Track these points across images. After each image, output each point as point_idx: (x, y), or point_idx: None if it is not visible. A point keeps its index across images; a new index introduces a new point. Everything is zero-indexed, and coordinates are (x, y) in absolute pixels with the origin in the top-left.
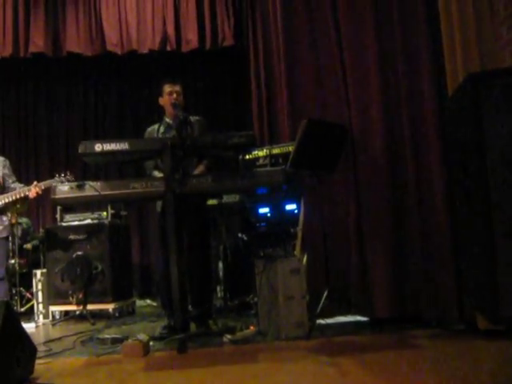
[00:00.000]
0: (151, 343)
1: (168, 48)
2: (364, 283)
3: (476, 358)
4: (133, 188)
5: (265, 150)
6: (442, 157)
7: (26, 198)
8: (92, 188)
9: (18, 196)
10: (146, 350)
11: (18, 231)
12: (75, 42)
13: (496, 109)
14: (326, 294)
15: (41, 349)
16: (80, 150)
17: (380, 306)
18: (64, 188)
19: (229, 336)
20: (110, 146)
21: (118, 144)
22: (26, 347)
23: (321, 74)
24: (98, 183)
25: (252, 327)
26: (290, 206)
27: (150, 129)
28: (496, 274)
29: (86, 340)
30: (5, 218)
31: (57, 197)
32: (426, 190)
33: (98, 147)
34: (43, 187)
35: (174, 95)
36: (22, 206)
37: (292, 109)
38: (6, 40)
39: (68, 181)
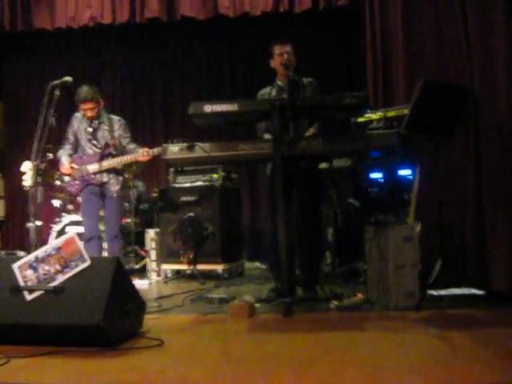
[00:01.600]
0: (257, 305)
1: (281, 9)
2: (482, 254)
3: None
4: (241, 149)
5: (379, 113)
6: None
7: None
8: (201, 149)
9: (127, 160)
10: (251, 311)
11: (134, 192)
12: (188, 5)
13: None
14: (438, 264)
15: (152, 304)
16: (190, 111)
17: (498, 279)
18: (175, 149)
19: (335, 302)
20: (219, 107)
21: (227, 105)
22: (135, 302)
23: (440, 32)
24: (208, 144)
25: (360, 295)
26: (404, 172)
27: (261, 91)
28: None
29: (195, 298)
30: (121, 178)
31: (167, 157)
32: None
33: (207, 108)
34: (155, 153)
35: (285, 56)
36: (138, 167)
37: (409, 70)
38: (124, 5)
39: None
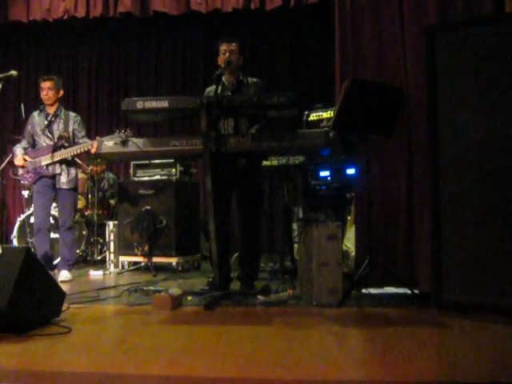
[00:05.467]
0: (189, 298)
1: (252, 6)
2: (410, 256)
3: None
4: (173, 145)
5: (329, 112)
6: None
7: (89, 152)
8: (134, 144)
9: (79, 151)
10: (175, 303)
11: (104, 185)
12: (161, 1)
13: None
14: (366, 263)
15: (91, 294)
16: (123, 107)
17: (423, 279)
18: (109, 143)
19: (261, 297)
20: (150, 104)
21: (157, 102)
22: (51, 291)
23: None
24: (141, 140)
25: (290, 291)
26: (351, 171)
27: (208, 88)
28: None
29: (132, 290)
30: (73, 171)
31: (102, 151)
32: None
33: (139, 104)
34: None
35: (227, 54)
36: (102, 160)
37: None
38: (97, 0)
39: (127, 137)
